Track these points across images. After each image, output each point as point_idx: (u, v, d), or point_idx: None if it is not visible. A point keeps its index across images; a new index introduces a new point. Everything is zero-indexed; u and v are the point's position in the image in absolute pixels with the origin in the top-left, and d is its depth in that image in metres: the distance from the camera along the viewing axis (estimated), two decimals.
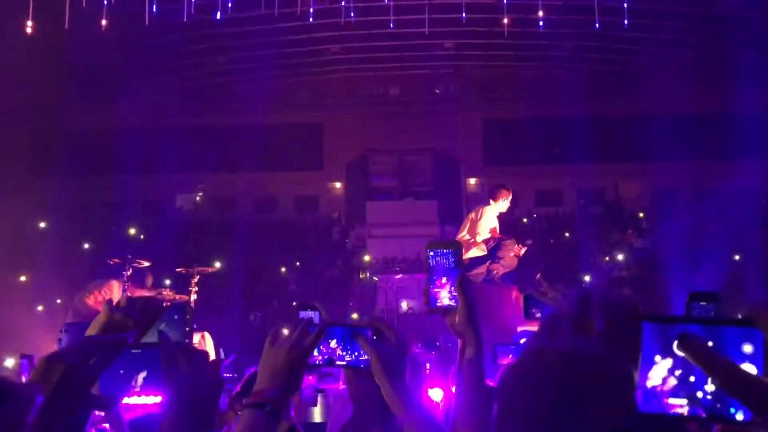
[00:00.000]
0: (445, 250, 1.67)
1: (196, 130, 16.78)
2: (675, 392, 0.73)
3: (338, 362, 1.59)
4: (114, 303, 1.39)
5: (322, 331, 1.52)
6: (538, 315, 2.01)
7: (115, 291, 6.65)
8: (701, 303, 1.79)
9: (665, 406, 0.72)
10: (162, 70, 15.78)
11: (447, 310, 1.66)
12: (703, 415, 0.73)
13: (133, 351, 1.24)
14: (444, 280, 1.66)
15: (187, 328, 1.46)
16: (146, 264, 7.22)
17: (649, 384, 0.72)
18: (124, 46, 13.34)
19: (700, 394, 0.72)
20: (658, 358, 0.72)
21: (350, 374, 1.76)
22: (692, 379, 0.72)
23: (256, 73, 17.39)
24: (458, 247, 1.69)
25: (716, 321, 0.75)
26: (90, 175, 15.20)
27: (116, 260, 6.83)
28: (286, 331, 1.55)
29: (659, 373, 0.72)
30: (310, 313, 1.88)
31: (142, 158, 14.57)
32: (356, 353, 1.58)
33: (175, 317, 1.46)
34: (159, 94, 15.39)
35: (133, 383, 1.25)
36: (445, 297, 1.66)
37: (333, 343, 1.59)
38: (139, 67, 14.62)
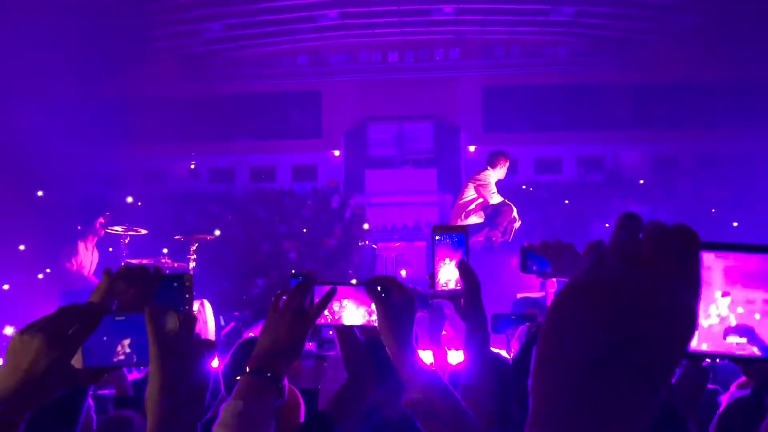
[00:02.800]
0: (450, 233, 1.66)
1: (192, 99, 16.63)
2: (734, 332, 0.67)
3: (345, 323, 1.56)
4: (114, 271, 1.36)
5: (332, 292, 1.49)
6: (535, 268, 1.98)
7: (81, 251, 6.76)
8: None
9: (721, 345, 0.67)
10: (156, 38, 15.59)
11: (451, 294, 1.65)
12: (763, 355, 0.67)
13: (116, 318, 1.19)
14: (447, 260, 1.65)
15: (187, 295, 1.44)
16: (143, 232, 7.22)
17: (706, 323, 0.68)
18: (116, 15, 13.15)
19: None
20: (717, 294, 0.67)
21: (343, 336, 1.73)
22: (757, 317, 0.67)
23: (253, 40, 17.21)
24: (464, 230, 1.67)
25: None
26: (86, 145, 15.11)
27: (79, 227, 6.95)
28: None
29: (718, 311, 0.68)
30: (299, 281, 1.84)
31: (138, 127, 14.46)
32: (367, 314, 1.56)
33: (175, 284, 1.43)
34: (154, 63, 15.22)
35: (118, 349, 1.20)
36: (450, 279, 1.64)
37: (344, 302, 1.56)
38: (133, 35, 14.44)
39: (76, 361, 1.09)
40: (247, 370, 1.40)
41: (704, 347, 0.68)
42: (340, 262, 14.45)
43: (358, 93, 17.70)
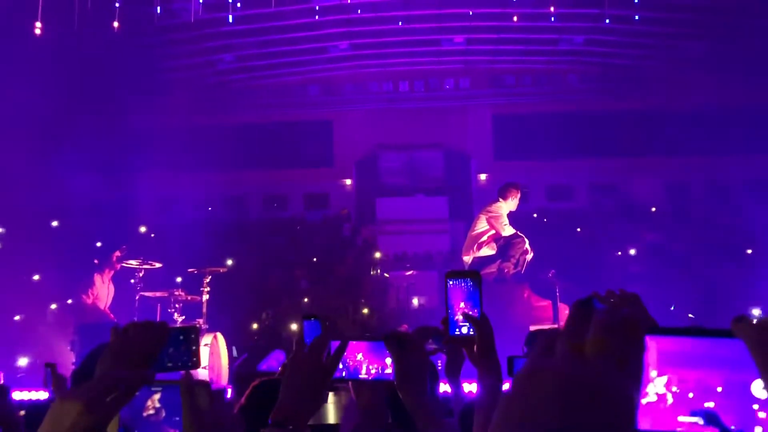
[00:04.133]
0: (464, 278, 1.67)
1: (205, 128, 16.80)
2: (675, 410, 0.69)
3: (362, 375, 1.58)
4: (122, 329, 1.38)
5: (344, 347, 1.51)
6: None
7: (97, 284, 6.83)
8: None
9: (666, 423, 0.69)
10: (169, 69, 15.81)
11: (466, 340, 1.65)
12: None
13: (153, 389, 1.22)
14: (462, 305, 1.65)
15: (194, 347, 1.46)
16: (158, 265, 7.27)
17: (644, 401, 0.70)
18: (131, 47, 13.37)
19: (709, 405, 0.69)
20: (653, 373, 0.70)
21: (357, 386, 1.75)
22: (691, 395, 0.69)
23: (265, 71, 17.41)
24: (478, 276, 1.68)
25: (707, 332, 0.71)
26: (99, 175, 15.26)
27: (96, 260, 7.03)
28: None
29: (655, 389, 0.70)
30: (312, 322, 1.87)
31: (150, 158, 14.60)
32: (381, 367, 1.57)
33: (181, 337, 1.46)
34: (166, 94, 15.41)
35: (148, 404, 1.24)
36: (464, 325, 1.65)
37: (359, 356, 1.58)
38: (146, 67, 14.64)
39: (112, 426, 1.13)
40: (270, 422, 1.42)
41: (645, 426, 0.70)
42: (351, 290, 14.43)
43: (370, 122, 17.82)
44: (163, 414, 1.22)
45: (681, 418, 0.70)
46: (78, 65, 12.97)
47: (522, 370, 0.61)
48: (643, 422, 0.70)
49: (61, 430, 1.03)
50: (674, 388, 0.70)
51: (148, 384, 1.19)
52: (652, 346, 0.70)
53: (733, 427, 0.69)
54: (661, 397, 0.70)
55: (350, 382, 1.74)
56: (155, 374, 1.24)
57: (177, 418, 1.20)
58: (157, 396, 1.23)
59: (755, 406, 0.68)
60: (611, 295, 2.07)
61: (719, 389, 0.70)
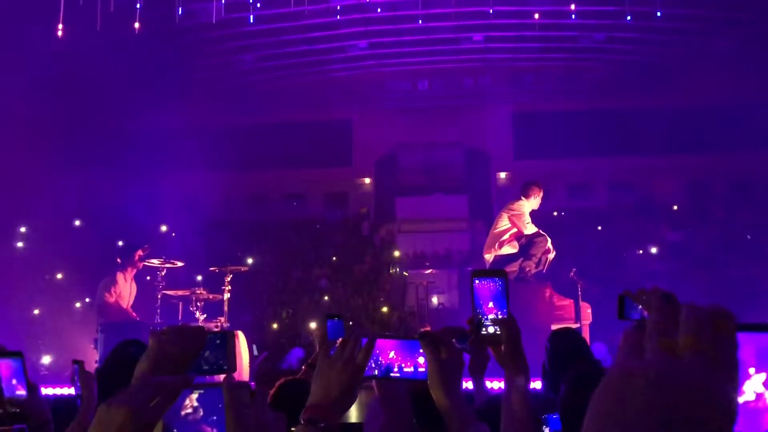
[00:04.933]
0: (491, 277, 1.66)
1: (225, 128, 16.89)
2: None
3: (394, 374, 1.58)
4: (160, 333, 1.40)
5: (372, 343, 1.52)
6: (637, 317, 1.94)
7: (120, 283, 6.90)
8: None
9: (761, 425, 0.66)
10: (189, 69, 15.91)
11: (493, 340, 1.65)
12: None
13: (195, 392, 1.25)
14: (491, 305, 1.64)
15: (230, 352, 1.48)
16: (180, 264, 7.33)
17: (741, 400, 0.66)
18: (152, 48, 13.47)
19: None
20: (752, 370, 0.67)
21: (383, 385, 1.75)
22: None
23: (285, 71, 17.47)
24: (504, 275, 1.67)
25: None
26: (122, 175, 15.42)
27: (118, 259, 7.09)
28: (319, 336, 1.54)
29: (753, 387, 0.67)
30: (336, 321, 1.87)
31: (172, 156, 14.72)
32: (414, 365, 1.57)
33: (218, 342, 1.48)
34: (186, 94, 15.52)
35: (186, 403, 1.26)
36: (491, 325, 1.64)
37: (392, 354, 1.58)
38: (167, 68, 14.75)
39: (157, 429, 1.15)
40: (302, 420, 1.43)
41: (743, 426, 0.65)
42: (371, 289, 14.46)
43: (389, 121, 17.82)
44: (201, 413, 1.25)
45: None
46: (99, 66, 13.10)
47: (612, 372, 0.59)
48: (741, 422, 0.67)
49: None
50: None
51: (190, 387, 1.21)
52: (749, 342, 0.68)
53: None
54: (760, 396, 0.67)
55: (376, 382, 1.75)
56: (194, 377, 1.26)
57: (215, 417, 1.22)
58: (195, 395, 1.25)
59: None
60: (644, 293, 2.05)
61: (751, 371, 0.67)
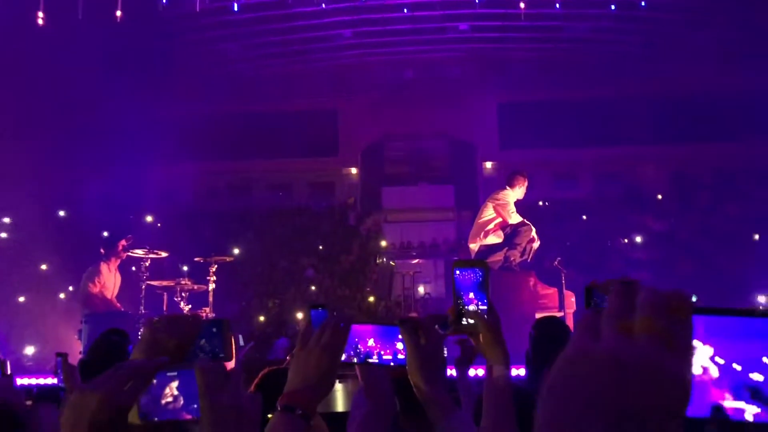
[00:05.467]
0: (472, 268, 1.66)
1: (210, 117, 16.79)
2: (720, 382, 0.67)
3: (371, 360, 1.58)
4: (155, 321, 1.40)
5: (348, 328, 1.51)
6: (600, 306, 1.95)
7: (104, 273, 6.87)
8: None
9: (711, 396, 0.66)
10: (174, 58, 15.78)
11: (473, 330, 1.65)
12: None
13: (168, 374, 1.23)
14: (471, 295, 1.65)
15: (226, 340, 1.48)
16: (164, 255, 7.30)
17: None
18: (134, 37, 13.34)
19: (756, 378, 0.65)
20: (699, 344, 0.67)
21: (365, 371, 1.75)
22: (737, 367, 0.67)
23: (269, 60, 17.38)
24: (485, 266, 1.67)
25: (760, 312, 0.68)
26: (106, 165, 15.31)
27: (102, 249, 7.07)
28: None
29: (700, 360, 0.67)
30: (320, 311, 1.87)
31: (157, 146, 14.62)
32: (393, 352, 1.57)
33: (214, 330, 1.48)
34: (170, 83, 15.41)
35: (166, 391, 1.25)
36: (471, 315, 1.64)
37: (371, 342, 1.58)
38: (151, 57, 14.63)
39: (132, 415, 1.14)
40: (278, 407, 1.42)
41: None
42: (357, 279, 14.47)
43: (374, 111, 17.78)
44: (182, 402, 1.24)
45: (727, 403, 0.67)
46: (81, 55, 12.96)
47: (567, 354, 0.59)
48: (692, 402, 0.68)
49: (82, 421, 1.04)
50: (719, 360, 0.68)
51: (164, 370, 1.20)
52: (699, 319, 0.67)
53: None
54: (705, 370, 0.68)
55: (359, 369, 1.75)
56: (166, 359, 1.25)
57: (195, 405, 1.21)
58: (174, 384, 1.24)
59: None
60: (611, 283, 2.05)
61: (765, 359, 0.67)
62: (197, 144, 15.94)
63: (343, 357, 1.52)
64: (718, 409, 0.67)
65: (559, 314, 7.03)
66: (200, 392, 1.11)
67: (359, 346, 1.55)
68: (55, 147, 14.06)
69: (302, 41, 16.40)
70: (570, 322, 7.17)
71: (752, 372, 0.67)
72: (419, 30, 15.97)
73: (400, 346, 1.56)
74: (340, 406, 5.25)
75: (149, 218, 14.33)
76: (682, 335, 0.58)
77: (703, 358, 0.67)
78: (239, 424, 1.11)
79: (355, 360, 1.58)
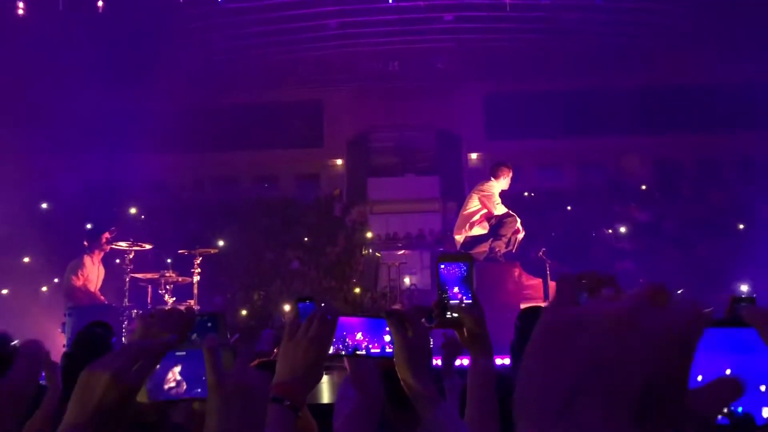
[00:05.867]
0: (456, 262, 1.66)
1: (195, 109, 16.69)
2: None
3: (359, 352, 1.58)
4: (148, 316, 1.39)
5: (335, 323, 1.51)
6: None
7: (87, 266, 6.82)
8: (742, 305, 1.77)
9: None
10: (158, 49, 15.65)
11: (457, 323, 1.66)
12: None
13: (177, 354, 1.23)
14: (456, 289, 1.65)
15: (221, 335, 1.46)
16: (148, 247, 7.26)
17: None
18: (117, 27, 13.22)
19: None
20: None
21: (355, 364, 1.76)
22: (699, 378, 0.65)
23: (254, 51, 17.27)
24: (470, 259, 1.67)
25: (718, 322, 0.70)
26: (91, 156, 15.19)
27: (85, 242, 7.00)
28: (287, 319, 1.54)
29: None
30: (307, 304, 1.86)
31: (141, 139, 14.52)
32: (381, 345, 1.57)
33: (209, 325, 1.46)
34: (155, 75, 15.27)
35: (169, 376, 1.24)
36: (455, 308, 1.65)
37: (359, 335, 1.58)
38: (134, 48, 14.50)
39: (141, 395, 1.14)
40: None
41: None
42: (343, 270, 14.47)
43: (360, 102, 17.74)
44: (184, 386, 1.23)
45: None
46: (62, 46, 12.83)
47: (545, 318, 0.58)
48: None
49: (91, 401, 1.04)
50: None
51: (173, 349, 1.20)
52: None
53: (740, 409, 0.68)
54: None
55: (348, 362, 1.74)
56: (176, 339, 1.25)
57: (199, 390, 1.21)
58: (177, 368, 1.23)
59: (762, 388, 0.68)
60: (583, 277, 2.07)
61: (728, 372, 0.69)
62: (182, 136, 15.85)
63: (331, 350, 1.52)
64: None
65: (543, 304, 7.06)
66: (208, 371, 1.11)
67: (347, 339, 1.55)
68: (37, 138, 13.92)
69: (287, 32, 16.32)
70: None
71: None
72: (405, 21, 15.93)
73: (387, 338, 1.56)
74: (326, 397, 5.25)
75: (133, 210, 14.24)
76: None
77: None
78: (247, 403, 1.11)
79: (344, 353, 1.58)
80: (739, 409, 0.68)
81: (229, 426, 1.09)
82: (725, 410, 0.68)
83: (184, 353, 1.22)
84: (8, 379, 1.20)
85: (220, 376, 1.10)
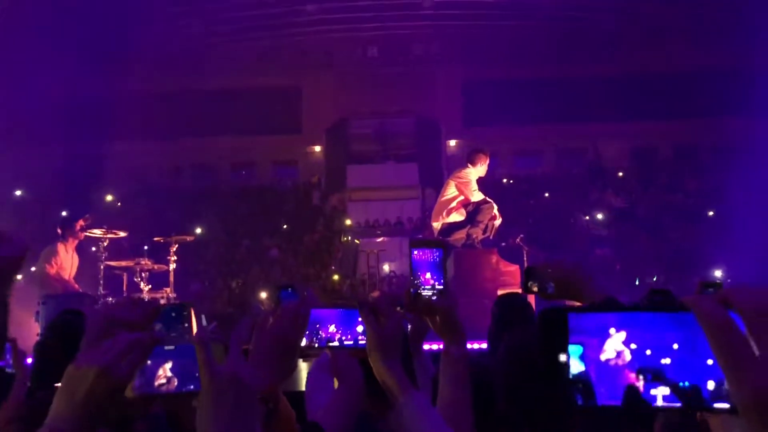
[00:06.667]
0: (429, 248, 1.66)
1: (173, 95, 16.52)
2: (633, 366, 0.70)
3: (332, 344, 1.57)
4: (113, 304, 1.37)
5: (306, 316, 1.49)
6: (536, 288, 1.97)
7: (61, 254, 6.73)
8: (709, 290, 1.78)
9: (621, 379, 0.70)
10: (137, 34, 15.44)
11: (429, 311, 1.65)
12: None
13: (166, 348, 1.22)
14: (428, 275, 1.65)
15: (186, 324, 1.45)
16: (122, 234, 7.18)
17: (603, 357, 0.71)
18: (96, 12, 13.01)
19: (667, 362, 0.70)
20: (612, 330, 0.71)
21: (335, 354, 1.74)
22: (648, 352, 0.70)
23: (233, 36, 17.11)
24: (442, 246, 1.67)
25: (662, 308, 0.72)
26: (67, 142, 14.98)
27: (59, 229, 6.91)
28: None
29: (614, 345, 0.71)
30: (289, 292, 1.85)
31: (118, 125, 14.35)
32: (356, 337, 1.57)
33: (173, 315, 1.45)
34: (132, 60, 15.08)
35: (159, 373, 1.23)
36: (428, 295, 1.64)
37: (332, 328, 1.57)
38: (112, 33, 14.29)
39: (127, 390, 1.12)
40: None
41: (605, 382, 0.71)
42: (322, 257, 14.45)
43: (339, 88, 17.66)
44: (175, 383, 1.22)
45: (639, 384, 0.71)
46: (42, 32, 12.62)
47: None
48: (603, 378, 0.71)
49: (78, 395, 1.02)
50: (632, 345, 0.71)
51: (160, 344, 1.18)
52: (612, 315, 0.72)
53: (686, 383, 0.70)
54: (620, 353, 0.71)
55: (329, 351, 1.73)
56: (164, 332, 1.23)
57: (191, 387, 1.19)
58: (168, 365, 1.22)
59: (709, 362, 0.69)
60: (548, 266, 2.07)
61: (675, 346, 0.71)
62: (159, 121, 15.69)
63: (304, 342, 1.51)
64: (632, 389, 0.70)
65: (520, 291, 7.10)
66: (200, 364, 1.09)
67: (320, 331, 1.54)
68: (10, 124, 13.69)
69: (266, 17, 16.19)
70: (532, 299, 7.24)
71: (663, 357, 0.70)
72: (383, 6, 15.86)
73: (360, 329, 1.55)
74: (304, 385, 5.26)
75: (109, 197, 14.09)
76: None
77: (616, 343, 0.71)
78: (239, 395, 1.10)
79: (317, 344, 1.57)
80: (686, 384, 0.70)
81: (223, 419, 1.08)
82: (672, 386, 0.70)
83: (173, 348, 1.21)
84: None
85: (212, 370, 1.09)
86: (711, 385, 0.69)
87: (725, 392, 0.68)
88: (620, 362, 0.71)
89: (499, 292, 6.02)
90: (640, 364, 0.70)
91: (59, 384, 1.09)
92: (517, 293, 5.74)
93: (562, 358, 0.71)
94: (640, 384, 0.70)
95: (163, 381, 1.20)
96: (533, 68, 17.05)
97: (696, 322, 0.67)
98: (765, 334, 0.62)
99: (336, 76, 17.75)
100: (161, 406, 1.78)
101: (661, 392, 0.70)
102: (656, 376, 0.70)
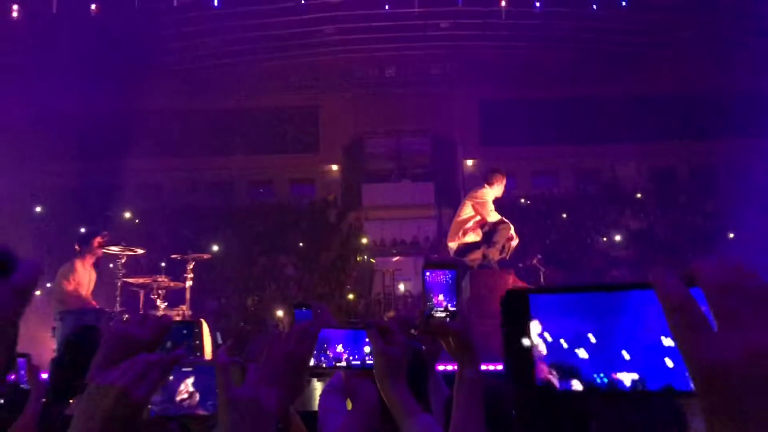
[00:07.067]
0: (441, 269, 1.65)
1: (191, 113, 16.69)
2: (549, 358, 0.66)
3: (339, 364, 1.57)
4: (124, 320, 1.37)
5: (315, 336, 1.49)
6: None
7: (79, 270, 6.76)
8: None
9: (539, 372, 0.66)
10: (154, 53, 15.66)
11: (442, 332, 1.64)
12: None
13: (183, 369, 1.22)
14: (441, 297, 1.63)
15: (197, 341, 1.45)
16: (140, 251, 7.21)
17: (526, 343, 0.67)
18: (111, 31, 13.20)
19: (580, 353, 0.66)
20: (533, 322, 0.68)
21: (349, 375, 1.74)
22: (564, 344, 0.66)
23: (251, 56, 17.29)
24: (455, 267, 1.66)
25: (611, 286, 0.68)
26: (85, 160, 15.15)
27: (77, 246, 6.93)
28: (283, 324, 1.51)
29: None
30: (304, 311, 1.85)
31: (136, 142, 14.49)
32: (363, 357, 1.56)
33: (184, 332, 1.45)
34: (151, 78, 15.26)
35: (181, 388, 1.23)
36: (441, 317, 1.63)
37: (339, 348, 1.57)
38: (129, 52, 14.49)
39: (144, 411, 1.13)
40: None
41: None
42: (338, 276, 14.44)
43: (356, 108, 17.76)
44: (197, 398, 1.22)
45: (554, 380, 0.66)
46: (55, 49, 12.81)
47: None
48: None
49: (98, 414, 1.02)
50: (548, 336, 0.67)
51: (180, 365, 1.18)
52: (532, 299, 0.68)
53: (602, 375, 0.66)
54: (534, 347, 0.67)
55: (344, 372, 1.73)
56: (185, 352, 1.23)
57: (210, 402, 1.19)
58: (190, 380, 1.22)
59: (624, 353, 0.65)
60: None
61: (590, 336, 0.66)
62: (178, 140, 15.84)
63: (312, 362, 1.51)
64: (546, 387, 0.66)
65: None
66: (219, 388, 1.10)
67: (328, 351, 1.54)
68: (30, 142, 13.88)
69: (283, 37, 16.34)
70: None
71: (578, 348, 0.66)
72: (400, 27, 15.97)
73: (368, 350, 1.55)
74: (317, 405, 5.22)
75: (127, 214, 14.21)
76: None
77: (533, 335, 0.67)
78: (258, 419, 1.10)
79: (324, 365, 1.56)
80: (604, 380, 0.66)
81: None
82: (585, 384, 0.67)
83: (190, 369, 1.22)
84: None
85: (231, 393, 1.09)
86: (622, 376, 0.65)
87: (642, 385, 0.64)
88: (536, 354, 0.66)
89: None
90: (554, 358, 0.66)
91: (74, 400, 1.10)
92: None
93: (526, 342, 0.67)
94: (555, 379, 0.66)
95: (185, 396, 1.21)
96: (550, 88, 17.06)
97: (616, 306, 0.65)
98: (723, 309, 0.60)
99: (353, 96, 17.85)
100: (177, 429, 1.78)
101: (576, 385, 0.66)
102: (567, 374, 0.66)
